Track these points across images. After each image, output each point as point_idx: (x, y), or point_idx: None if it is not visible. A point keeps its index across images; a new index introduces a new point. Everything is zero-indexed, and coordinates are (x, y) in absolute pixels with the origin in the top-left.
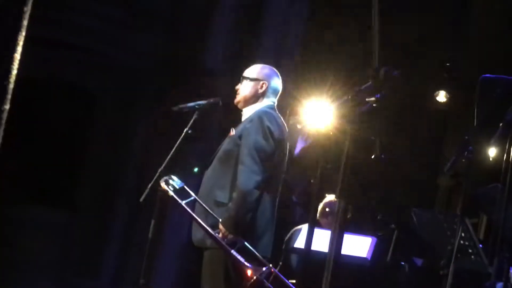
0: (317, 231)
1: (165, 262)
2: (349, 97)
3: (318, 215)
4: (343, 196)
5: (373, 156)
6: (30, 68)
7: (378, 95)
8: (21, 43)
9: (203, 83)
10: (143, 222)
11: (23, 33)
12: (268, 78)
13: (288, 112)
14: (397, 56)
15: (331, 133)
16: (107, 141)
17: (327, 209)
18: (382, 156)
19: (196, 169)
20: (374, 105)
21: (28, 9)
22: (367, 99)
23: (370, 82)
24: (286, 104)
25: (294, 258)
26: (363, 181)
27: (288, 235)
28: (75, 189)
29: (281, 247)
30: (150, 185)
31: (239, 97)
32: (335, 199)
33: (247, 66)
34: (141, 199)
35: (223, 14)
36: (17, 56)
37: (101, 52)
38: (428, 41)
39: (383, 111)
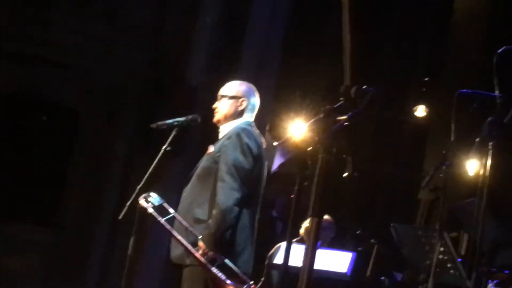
0: (299, 248)
1: (145, 279)
2: (321, 116)
3: (302, 231)
4: (315, 212)
5: (345, 174)
6: (10, 85)
7: (350, 114)
8: None
9: (185, 99)
10: (123, 240)
11: None
12: (247, 95)
13: (267, 128)
14: (375, 71)
15: (307, 150)
16: (89, 158)
17: None
18: (355, 174)
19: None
20: (345, 123)
21: None
22: (338, 118)
23: (341, 101)
24: (265, 120)
25: (275, 274)
26: (337, 198)
27: (271, 251)
28: (57, 206)
29: (262, 263)
30: (129, 202)
31: (218, 115)
32: (325, 218)
33: (228, 81)
34: (120, 217)
35: (204, 30)
36: None
37: (83, 68)
38: (406, 57)
39: (356, 129)
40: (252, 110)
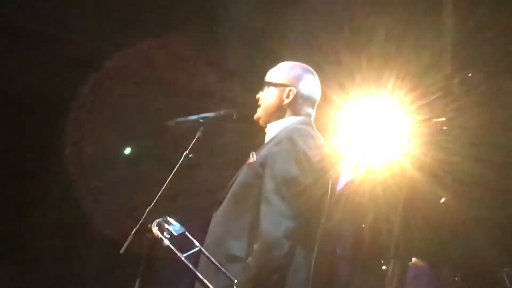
0: None
1: None
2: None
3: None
4: (399, 254)
5: (442, 200)
6: None
7: (451, 115)
8: None
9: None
10: (122, 282)
11: None
12: (296, 81)
13: (331, 129)
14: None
15: (389, 163)
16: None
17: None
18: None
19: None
20: (444, 128)
21: None
22: (434, 120)
23: (438, 95)
24: (326, 119)
25: None
26: (429, 233)
27: None
28: (25, 235)
29: None
30: (134, 230)
31: (260, 110)
32: (419, 264)
33: (273, 63)
34: (122, 250)
35: None
36: None
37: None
38: None
39: (457, 134)
40: (308, 103)
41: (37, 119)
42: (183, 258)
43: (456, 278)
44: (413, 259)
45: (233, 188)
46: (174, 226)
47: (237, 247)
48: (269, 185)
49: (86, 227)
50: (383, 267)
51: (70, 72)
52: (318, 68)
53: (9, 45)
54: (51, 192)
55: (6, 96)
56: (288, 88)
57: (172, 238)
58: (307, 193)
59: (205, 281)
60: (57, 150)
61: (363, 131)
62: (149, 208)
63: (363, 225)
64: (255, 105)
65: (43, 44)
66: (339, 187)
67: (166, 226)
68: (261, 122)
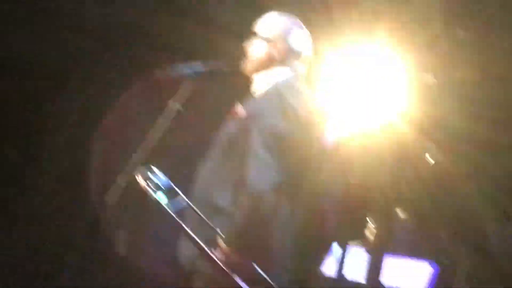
0: (361, 254)
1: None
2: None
3: (368, 232)
4: (386, 210)
5: (429, 158)
6: None
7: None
8: None
9: (200, 40)
10: (107, 232)
11: None
12: (285, 34)
13: (318, 83)
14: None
15: (379, 120)
16: (62, 119)
17: None
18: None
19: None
20: (433, 82)
21: None
22: (423, 75)
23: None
24: (315, 74)
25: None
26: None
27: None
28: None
29: (305, 271)
30: (121, 180)
31: (248, 62)
32: (405, 217)
33: (261, 13)
34: (107, 199)
35: None
36: None
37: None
38: None
39: (448, 89)
40: (297, 55)
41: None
42: (168, 209)
43: (442, 235)
44: (400, 214)
45: (220, 140)
46: (160, 177)
47: (223, 199)
48: (256, 138)
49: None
50: (371, 223)
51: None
52: (307, 21)
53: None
54: (50, 150)
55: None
56: (276, 41)
57: (157, 189)
58: (294, 147)
59: (191, 232)
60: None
61: (353, 86)
62: (135, 157)
63: (353, 181)
64: (243, 57)
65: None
66: (328, 142)
67: (151, 176)
68: (248, 74)
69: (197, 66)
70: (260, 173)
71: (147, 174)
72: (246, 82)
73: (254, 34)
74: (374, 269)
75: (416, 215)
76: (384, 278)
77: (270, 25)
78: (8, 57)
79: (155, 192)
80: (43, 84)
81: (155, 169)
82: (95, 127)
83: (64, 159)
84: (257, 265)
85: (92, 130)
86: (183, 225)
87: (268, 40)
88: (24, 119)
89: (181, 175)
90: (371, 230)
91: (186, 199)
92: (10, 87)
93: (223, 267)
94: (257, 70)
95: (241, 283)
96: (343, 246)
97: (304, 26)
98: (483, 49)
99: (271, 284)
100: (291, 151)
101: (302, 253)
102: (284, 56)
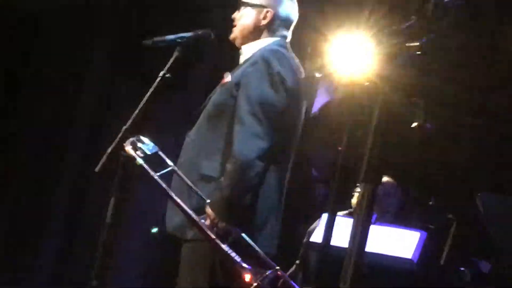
0: (348, 222)
1: (127, 257)
2: (384, 39)
3: (355, 201)
4: (369, 175)
5: (414, 124)
6: None
7: (424, 39)
8: None
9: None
10: (96, 201)
11: None
12: (274, 2)
13: (308, 52)
14: None
15: (363, 86)
16: (49, 82)
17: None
18: (428, 125)
19: (154, 229)
20: (417, 53)
21: None
22: (407, 44)
23: (413, 19)
24: (304, 40)
25: (313, 256)
26: (402, 156)
27: (312, 226)
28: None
29: (296, 240)
30: (110, 149)
31: (236, 31)
32: (386, 181)
33: None
34: (97, 169)
35: None
36: None
37: None
38: None
39: (432, 60)
40: (285, 25)
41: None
42: (156, 177)
43: (430, 202)
44: (387, 180)
45: (207, 108)
46: (148, 145)
47: (210, 167)
48: (243, 105)
49: (59, 147)
50: (357, 190)
51: None
52: None
53: None
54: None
55: None
56: (265, 9)
57: (145, 157)
58: (280, 115)
59: (178, 200)
60: None
61: (339, 53)
62: (124, 127)
63: (339, 148)
64: (231, 25)
65: None
66: (315, 109)
67: (139, 145)
68: (236, 42)
69: (185, 34)
70: (247, 140)
71: (135, 142)
72: (235, 51)
73: (244, 2)
74: (361, 236)
75: (404, 181)
76: (371, 245)
77: None
78: None
79: (143, 160)
80: None
81: (143, 138)
82: None
83: None
84: (244, 233)
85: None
86: (171, 193)
87: (257, 7)
88: None
89: (170, 143)
90: (358, 197)
91: (175, 167)
92: None
93: (211, 235)
94: (246, 38)
95: (227, 249)
96: (331, 214)
97: None
98: (468, 18)
99: (259, 252)
100: (277, 117)
101: (289, 221)
102: (273, 24)
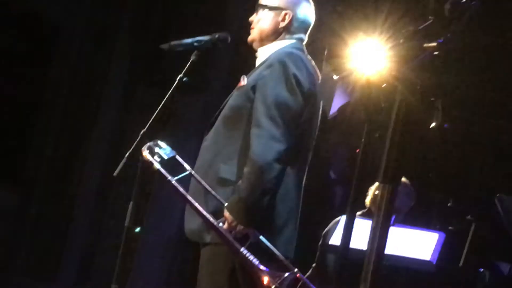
0: (365, 224)
1: (147, 261)
2: (401, 41)
3: (368, 201)
4: (387, 176)
5: (432, 125)
6: None
7: (442, 40)
8: None
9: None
10: (117, 205)
11: None
12: (292, 5)
13: (324, 54)
14: None
15: (383, 86)
16: (71, 90)
17: None
18: (446, 125)
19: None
20: (435, 53)
21: None
22: (425, 45)
23: (430, 20)
24: (321, 43)
25: (331, 259)
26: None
27: (327, 228)
28: (24, 159)
29: (313, 243)
30: (128, 153)
31: (254, 33)
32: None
33: None
34: (115, 173)
35: None
36: None
37: None
38: None
39: (450, 61)
40: (302, 28)
41: None
42: (173, 182)
43: (449, 203)
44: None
45: (224, 112)
46: (165, 150)
47: (227, 170)
48: (260, 108)
49: (83, 150)
50: (376, 192)
51: None
52: None
53: None
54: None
55: None
56: (284, 12)
57: (162, 162)
58: (297, 117)
59: (196, 204)
60: None
61: (356, 55)
62: (142, 131)
63: (358, 150)
64: (250, 28)
65: None
66: (332, 111)
67: (157, 149)
68: (254, 45)
69: (203, 37)
70: (265, 143)
71: (153, 147)
72: (252, 54)
73: (262, 5)
74: (380, 238)
75: (423, 182)
76: (389, 247)
77: None
78: None
79: (161, 165)
80: None
81: (161, 142)
82: None
83: None
84: (263, 236)
85: None
86: (188, 197)
87: (275, 10)
88: None
89: (188, 147)
90: (374, 198)
91: (192, 171)
92: None
93: (229, 238)
94: (264, 41)
95: (246, 252)
96: (350, 216)
97: None
98: (488, 17)
99: (278, 255)
100: (294, 119)
101: (307, 223)
102: (291, 26)
